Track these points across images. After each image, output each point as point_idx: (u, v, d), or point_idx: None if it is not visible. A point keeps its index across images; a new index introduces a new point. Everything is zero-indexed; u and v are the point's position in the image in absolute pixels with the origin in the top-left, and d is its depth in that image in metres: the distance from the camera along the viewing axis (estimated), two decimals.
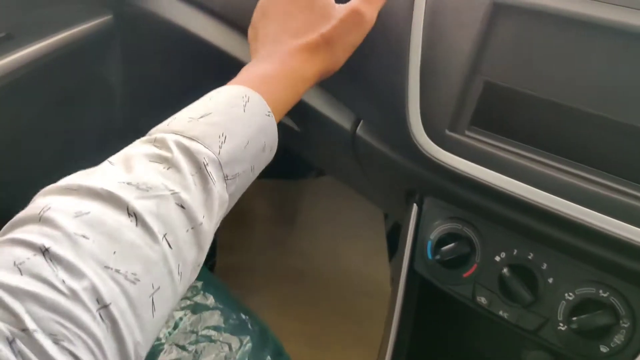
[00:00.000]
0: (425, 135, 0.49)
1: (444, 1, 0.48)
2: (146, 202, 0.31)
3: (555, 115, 0.45)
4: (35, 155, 0.92)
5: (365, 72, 0.53)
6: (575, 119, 0.44)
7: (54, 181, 0.33)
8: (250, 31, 0.51)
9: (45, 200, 0.30)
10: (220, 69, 0.83)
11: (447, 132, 0.48)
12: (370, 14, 0.48)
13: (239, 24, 0.69)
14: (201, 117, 0.38)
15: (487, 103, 0.47)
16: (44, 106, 0.87)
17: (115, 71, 0.95)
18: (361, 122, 0.57)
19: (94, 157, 0.37)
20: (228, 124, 0.38)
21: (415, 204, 0.57)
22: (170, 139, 0.35)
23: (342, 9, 0.47)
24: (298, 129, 0.71)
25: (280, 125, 0.71)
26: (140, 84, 1.00)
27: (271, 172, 0.95)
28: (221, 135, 0.37)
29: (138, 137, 0.38)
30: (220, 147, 0.37)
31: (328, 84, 0.58)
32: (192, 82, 1.01)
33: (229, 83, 0.43)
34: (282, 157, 1.15)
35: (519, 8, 0.44)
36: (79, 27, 0.83)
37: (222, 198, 0.37)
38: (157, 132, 0.37)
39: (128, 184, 0.31)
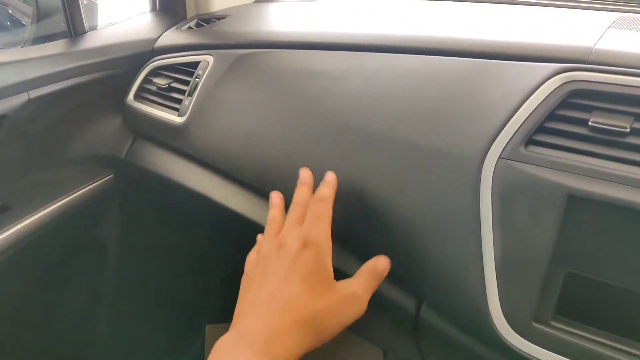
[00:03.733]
0: (509, 326, 0.47)
1: (515, 187, 0.48)
2: None
3: None
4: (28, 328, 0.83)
5: (430, 255, 0.52)
6: None
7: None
8: (243, 280, 0.49)
9: None
10: (220, 224, 0.81)
11: (534, 324, 0.47)
12: (366, 298, 0.48)
13: (241, 180, 0.69)
14: None
15: (570, 293, 0.47)
16: (36, 277, 0.80)
17: (112, 232, 0.90)
18: (424, 303, 0.55)
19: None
20: None
21: None
22: None
23: (341, 288, 0.46)
24: None
25: None
26: (136, 245, 0.95)
27: None
28: None
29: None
30: None
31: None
32: (190, 240, 0.97)
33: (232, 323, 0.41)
34: None
35: (595, 201, 0.45)
36: (80, 190, 0.79)
37: None
38: None
39: None
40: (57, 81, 0.76)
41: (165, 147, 0.79)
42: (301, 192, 0.53)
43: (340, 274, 0.60)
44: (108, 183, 0.84)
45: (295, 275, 0.45)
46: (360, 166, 0.57)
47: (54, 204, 0.76)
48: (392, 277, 0.57)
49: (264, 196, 0.67)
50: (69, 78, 0.77)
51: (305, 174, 0.55)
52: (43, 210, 0.75)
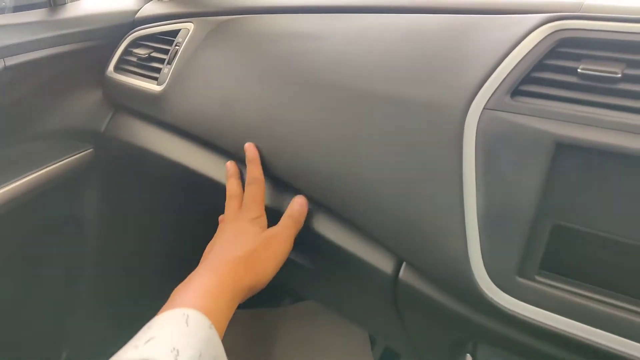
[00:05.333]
0: (492, 282, 0.45)
1: (499, 137, 0.46)
2: None
3: (634, 257, 0.42)
4: None
5: (409, 212, 0.49)
6: None
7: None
8: (207, 248, 0.60)
9: None
10: (201, 194, 0.79)
11: (517, 278, 0.44)
12: (286, 235, 0.57)
13: (219, 147, 0.67)
14: (149, 339, 0.40)
15: (556, 245, 0.44)
16: (11, 252, 0.78)
17: (91, 208, 0.87)
18: (404, 265, 0.52)
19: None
20: (175, 339, 0.40)
21: (468, 355, 0.51)
22: None
23: (264, 234, 0.57)
24: (312, 266, 0.65)
25: (288, 261, 0.66)
26: (116, 221, 0.93)
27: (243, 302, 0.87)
28: (172, 349, 0.39)
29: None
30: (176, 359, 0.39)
31: (362, 222, 0.54)
32: (171, 214, 0.95)
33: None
34: None
35: (584, 148, 0.42)
36: (58, 163, 0.77)
37: None
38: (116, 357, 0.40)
39: None
40: (35, 49, 0.74)
41: (145, 118, 0.77)
42: (230, 185, 0.64)
43: (322, 240, 0.58)
44: (87, 157, 0.82)
45: (234, 239, 0.57)
46: (343, 124, 0.55)
47: (30, 175, 0.74)
48: (371, 238, 0.54)
49: (242, 162, 0.65)
50: (47, 47, 0.75)
51: (230, 166, 0.65)
52: (17, 181, 0.72)
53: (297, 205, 0.59)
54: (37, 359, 0.90)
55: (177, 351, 0.39)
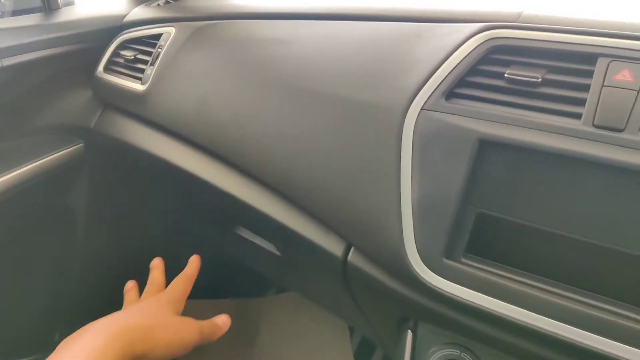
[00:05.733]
0: (423, 264, 0.50)
1: (432, 135, 0.51)
2: None
3: (547, 241, 0.47)
4: None
5: (355, 201, 0.55)
6: (565, 245, 0.47)
7: None
8: None
9: None
10: (179, 184, 0.85)
11: (445, 260, 0.49)
12: (194, 331, 0.59)
13: (194, 142, 0.71)
14: None
15: (480, 231, 0.50)
16: (3, 242, 0.84)
17: (82, 200, 0.93)
18: (352, 249, 0.58)
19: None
20: None
21: (409, 331, 0.56)
22: None
23: (174, 317, 0.59)
24: (279, 253, 0.71)
25: (259, 249, 0.72)
26: (105, 212, 0.99)
27: (227, 292, 0.95)
28: None
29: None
30: None
31: (317, 211, 0.59)
32: (155, 206, 1.01)
33: None
34: (238, 275, 1.13)
35: (505, 145, 0.48)
36: (50, 156, 0.83)
37: None
38: None
39: None
40: (30, 51, 0.79)
41: (131, 115, 0.83)
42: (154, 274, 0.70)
43: (284, 228, 0.63)
44: (78, 151, 0.88)
45: (143, 309, 0.60)
46: (304, 123, 0.60)
47: (22, 168, 0.79)
48: (325, 225, 0.60)
49: (215, 156, 0.70)
50: (42, 49, 0.80)
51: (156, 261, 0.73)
52: (11, 173, 0.78)
53: (218, 321, 0.65)
54: (32, 344, 0.96)
55: None
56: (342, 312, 0.78)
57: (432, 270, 0.50)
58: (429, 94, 0.52)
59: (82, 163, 0.89)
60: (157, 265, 0.71)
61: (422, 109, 0.52)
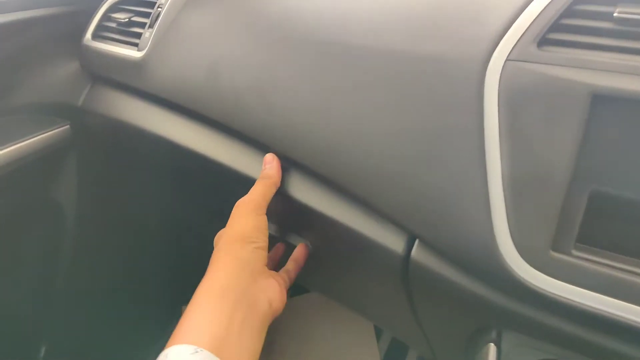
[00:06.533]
0: (522, 259, 0.38)
1: (525, 91, 0.39)
2: None
3: None
4: None
5: (422, 182, 0.43)
6: None
7: None
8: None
9: None
10: (182, 166, 0.73)
11: (552, 253, 0.38)
12: (281, 286, 0.50)
13: (204, 116, 0.60)
14: None
15: (595, 215, 0.38)
16: None
17: (69, 191, 0.81)
18: (416, 242, 0.46)
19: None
20: None
21: (492, 344, 0.45)
22: None
23: (265, 276, 0.49)
24: (312, 249, 0.59)
25: (287, 245, 0.60)
26: (96, 205, 0.86)
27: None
28: None
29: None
30: None
31: (368, 196, 0.47)
32: (156, 196, 0.88)
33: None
34: None
35: (624, 99, 0.36)
36: (31, 140, 0.70)
37: None
38: None
39: None
40: (4, 12, 0.67)
41: (125, 89, 0.70)
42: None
43: (323, 218, 0.52)
44: (63, 134, 0.75)
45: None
46: (346, 88, 0.49)
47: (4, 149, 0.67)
48: (379, 214, 0.48)
49: (230, 133, 0.58)
50: (14, 10, 0.67)
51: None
52: None
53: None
54: (16, 354, 0.84)
55: None
56: (390, 322, 0.66)
57: (534, 267, 0.38)
58: (515, 41, 0.41)
59: (68, 147, 0.76)
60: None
61: (507, 59, 0.41)
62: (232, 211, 0.51)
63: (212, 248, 0.50)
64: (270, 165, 0.54)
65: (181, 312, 0.47)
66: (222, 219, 0.52)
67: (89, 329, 0.92)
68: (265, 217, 0.50)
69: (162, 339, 0.95)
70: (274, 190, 0.53)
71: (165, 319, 1.00)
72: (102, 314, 0.93)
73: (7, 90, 0.72)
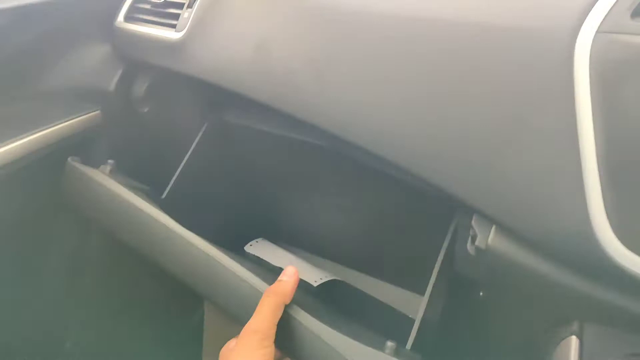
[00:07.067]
0: (621, 244, 0.36)
1: (621, 65, 0.37)
2: None
3: None
4: None
5: (503, 164, 0.40)
6: None
7: None
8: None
9: None
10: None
11: None
12: None
13: (250, 99, 0.57)
14: None
15: None
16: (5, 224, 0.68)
17: None
18: (493, 229, 0.43)
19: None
20: None
21: (574, 337, 0.42)
22: None
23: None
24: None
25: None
26: None
27: None
28: None
29: None
30: None
31: (439, 181, 0.44)
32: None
33: None
34: None
35: None
36: (59, 125, 0.67)
37: None
38: None
39: None
40: None
41: (161, 73, 0.67)
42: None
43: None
44: (94, 120, 0.72)
45: None
46: (416, 64, 0.46)
47: (22, 139, 0.64)
48: (454, 202, 0.45)
49: (276, 112, 0.55)
50: None
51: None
52: (11, 144, 0.62)
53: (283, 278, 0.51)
54: (39, 350, 0.81)
55: None
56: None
57: (635, 252, 0.35)
58: (606, 11, 0.38)
59: (98, 134, 0.73)
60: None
61: (598, 31, 0.38)
62: (240, 337, 0.47)
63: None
64: (288, 279, 0.50)
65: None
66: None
67: (112, 324, 0.89)
68: (272, 349, 0.46)
69: (183, 339, 0.91)
70: (282, 310, 0.48)
71: (187, 319, 0.97)
72: (130, 306, 0.90)
73: (37, 74, 0.68)
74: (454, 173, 0.43)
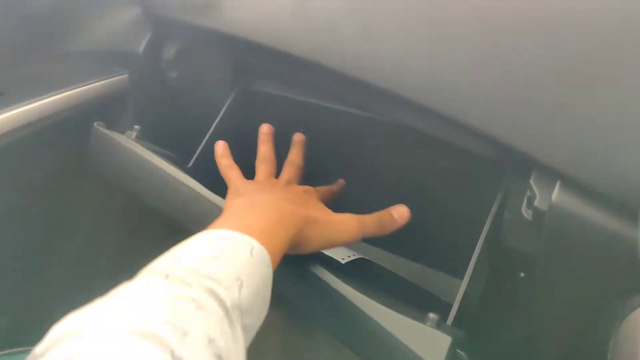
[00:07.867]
0: None
1: None
2: (186, 349, 0.27)
3: None
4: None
5: (573, 110, 0.37)
6: None
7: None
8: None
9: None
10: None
11: None
12: (358, 230, 0.50)
13: (294, 56, 0.53)
14: (214, 257, 0.36)
15: None
16: (28, 182, 0.65)
17: None
18: (558, 184, 0.39)
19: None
20: (241, 269, 0.36)
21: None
22: (190, 278, 0.32)
23: (334, 214, 0.51)
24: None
25: None
26: None
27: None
28: (237, 279, 0.35)
29: None
30: (239, 292, 0.34)
31: (510, 137, 0.40)
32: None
33: (219, 224, 0.41)
34: None
35: None
36: (82, 88, 0.65)
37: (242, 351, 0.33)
38: (163, 269, 0.34)
39: (167, 323, 0.28)
40: None
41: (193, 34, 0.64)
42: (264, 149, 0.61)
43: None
44: (121, 84, 0.69)
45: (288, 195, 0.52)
46: (475, 12, 0.42)
47: (46, 99, 0.61)
48: (511, 157, 0.41)
49: (313, 66, 0.52)
50: None
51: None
52: (37, 102, 0.60)
53: (395, 212, 0.53)
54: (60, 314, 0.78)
55: (242, 282, 0.35)
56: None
57: None
58: None
59: (125, 99, 0.71)
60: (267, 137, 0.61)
61: None
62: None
63: None
64: (398, 218, 0.53)
65: None
66: None
67: None
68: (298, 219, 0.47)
69: None
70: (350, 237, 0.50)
71: None
72: None
73: (66, 35, 0.67)
74: (518, 121, 0.39)
